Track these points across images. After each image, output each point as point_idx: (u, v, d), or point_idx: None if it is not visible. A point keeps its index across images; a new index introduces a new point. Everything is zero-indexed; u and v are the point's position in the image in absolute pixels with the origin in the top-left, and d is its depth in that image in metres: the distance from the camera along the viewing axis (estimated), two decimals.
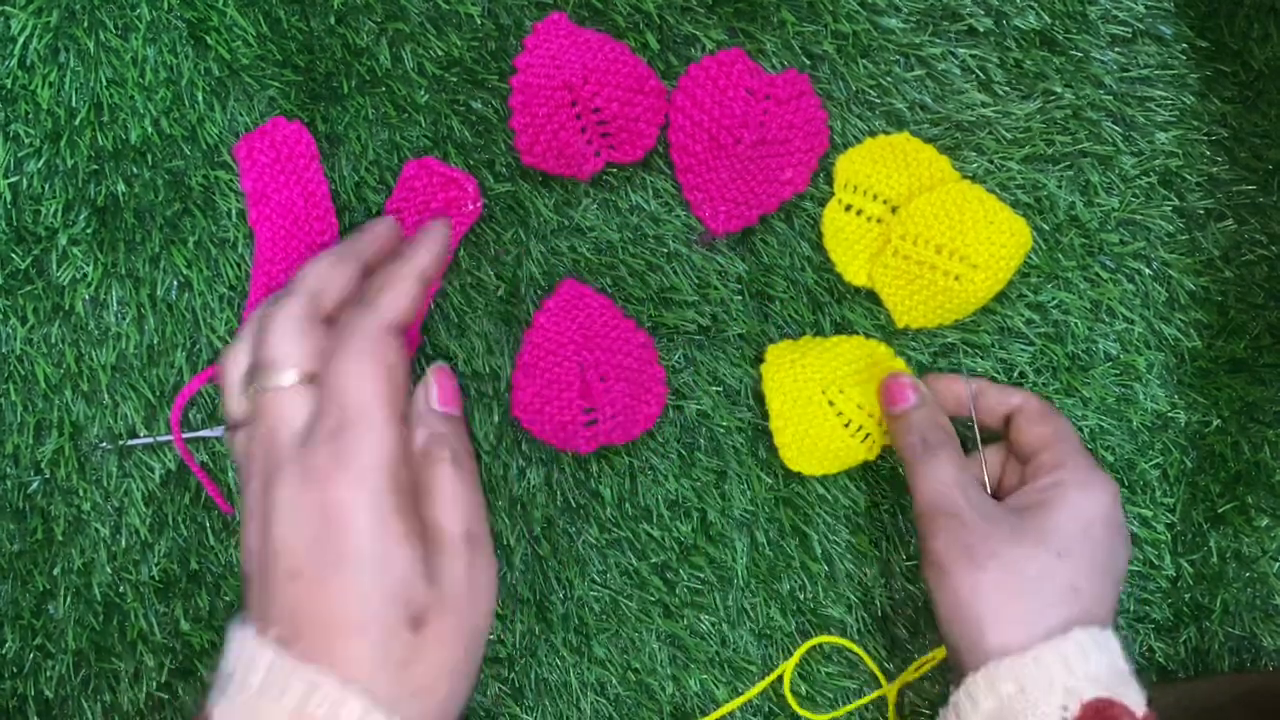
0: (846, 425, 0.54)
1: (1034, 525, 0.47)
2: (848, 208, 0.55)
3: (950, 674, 0.49)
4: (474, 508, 0.42)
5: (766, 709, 0.58)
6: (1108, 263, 0.56)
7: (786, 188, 0.55)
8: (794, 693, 0.57)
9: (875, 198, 0.55)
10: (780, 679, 0.57)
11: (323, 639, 0.38)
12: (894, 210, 0.54)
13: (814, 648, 0.57)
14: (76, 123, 0.55)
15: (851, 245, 0.55)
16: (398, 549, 0.38)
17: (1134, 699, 0.44)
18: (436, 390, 0.44)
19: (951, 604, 0.46)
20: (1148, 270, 0.56)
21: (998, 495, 0.52)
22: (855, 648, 0.57)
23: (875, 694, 0.57)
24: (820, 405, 0.54)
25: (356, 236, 0.46)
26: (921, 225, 0.53)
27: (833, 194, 0.55)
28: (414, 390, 0.44)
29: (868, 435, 0.54)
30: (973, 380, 0.53)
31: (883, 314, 0.56)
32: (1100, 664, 0.44)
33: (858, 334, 0.56)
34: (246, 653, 0.38)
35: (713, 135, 0.54)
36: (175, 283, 0.56)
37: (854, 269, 0.55)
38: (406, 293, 0.43)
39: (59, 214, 0.55)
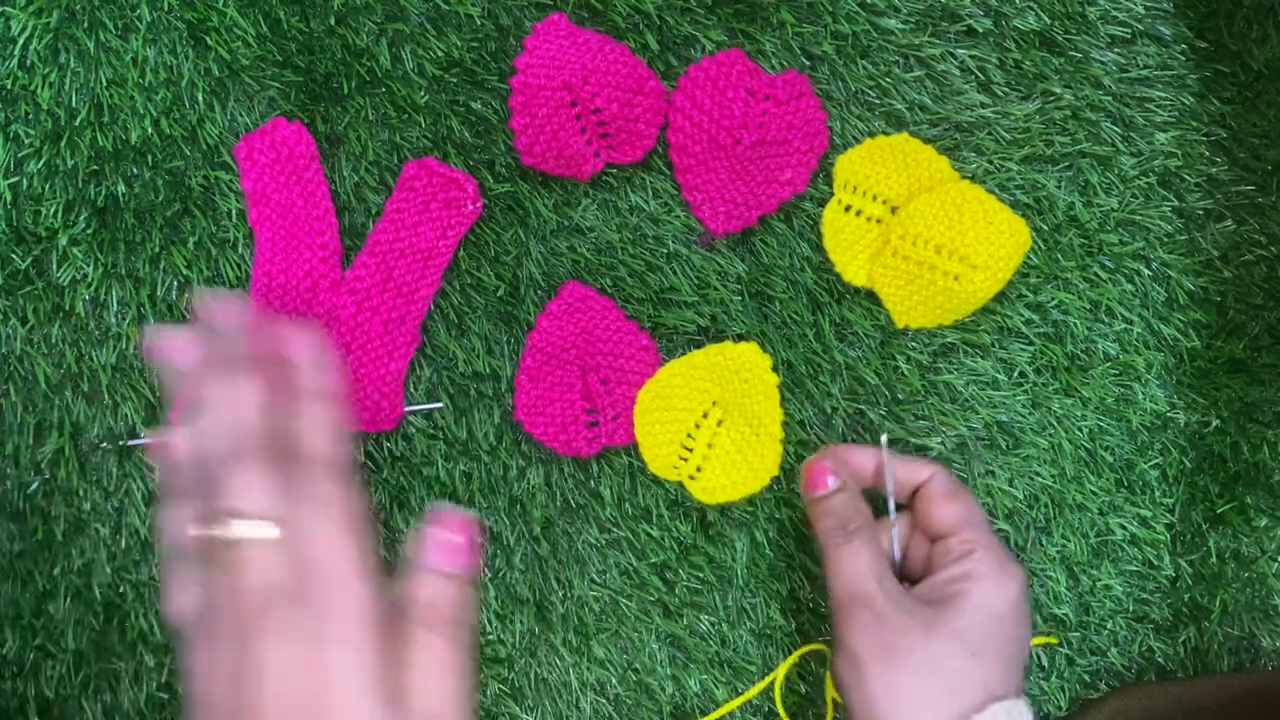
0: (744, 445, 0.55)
1: (947, 621, 0.47)
2: (847, 208, 0.55)
3: None
4: (461, 693, 0.40)
5: (766, 709, 0.58)
6: (1107, 263, 0.56)
7: (786, 188, 0.55)
8: (794, 691, 0.57)
9: (875, 198, 0.55)
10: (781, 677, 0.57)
11: None
12: (893, 211, 0.54)
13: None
14: (76, 123, 0.55)
15: (851, 246, 0.55)
16: (380, 716, 0.38)
17: None
18: (432, 548, 0.42)
19: (866, 699, 0.47)
20: (1147, 270, 0.56)
21: (903, 567, 0.52)
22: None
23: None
24: (709, 431, 0.54)
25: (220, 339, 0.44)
26: (921, 225, 0.53)
27: (832, 194, 0.55)
28: (415, 538, 0.42)
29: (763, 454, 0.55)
30: (884, 451, 0.53)
31: (882, 314, 0.56)
32: None
33: (853, 332, 0.56)
34: None
35: (712, 136, 0.54)
36: (175, 283, 0.56)
37: (853, 269, 0.55)
38: (330, 432, 0.42)
39: (59, 214, 0.55)
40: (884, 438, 0.53)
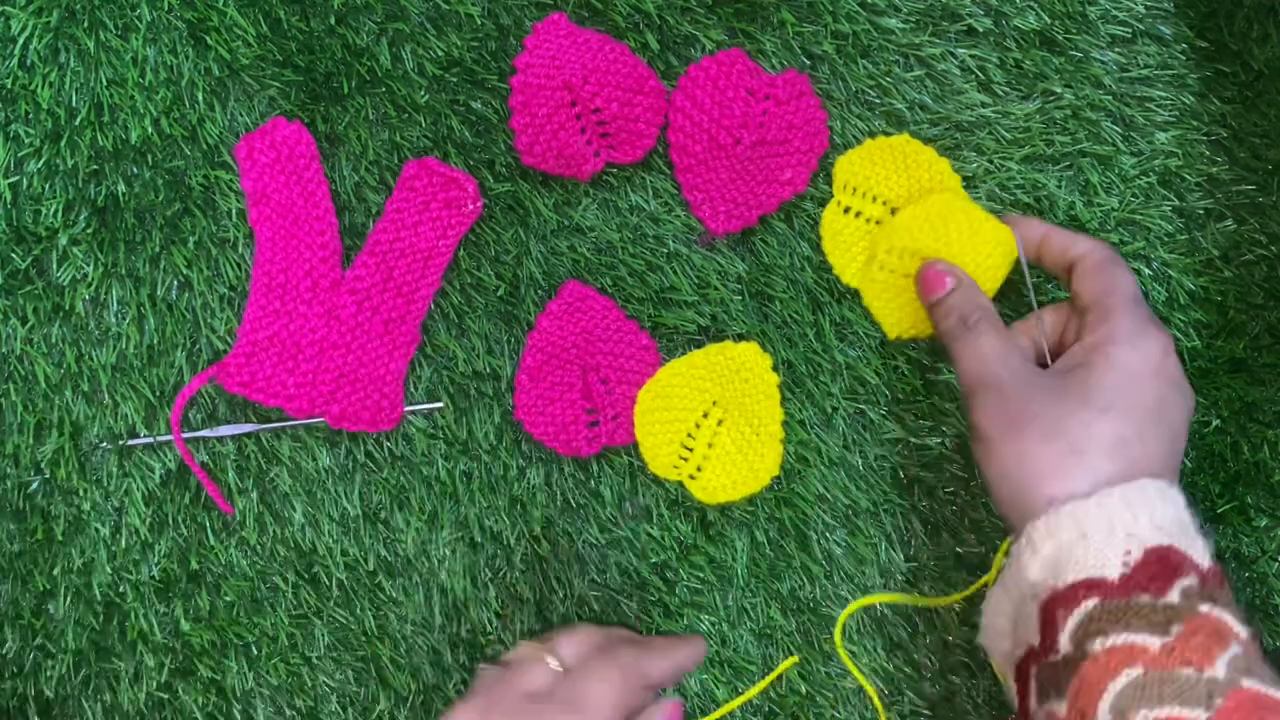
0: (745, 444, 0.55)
1: (1076, 385, 0.46)
2: (846, 210, 0.55)
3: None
4: None
5: (767, 709, 0.58)
6: None
7: (786, 188, 0.55)
8: (794, 691, 0.57)
9: (874, 199, 0.55)
10: (781, 678, 0.57)
11: None
12: (893, 212, 0.54)
13: (815, 648, 0.57)
14: (76, 123, 0.55)
15: (849, 248, 0.55)
16: None
17: (1199, 551, 0.43)
18: None
19: (999, 473, 0.46)
20: (1147, 270, 0.56)
21: (1057, 354, 0.51)
22: (898, 599, 0.57)
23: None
24: (710, 430, 0.55)
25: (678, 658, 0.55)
26: (906, 238, 0.53)
27: (832, 194, 0.55)
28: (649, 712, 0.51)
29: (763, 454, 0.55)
30: (1038, 223, 0.52)
31: None
32: (1165, 514, 0.43)
33: (853, 332, 0.56)
34: None
35: (712, 135, 0.54)
36: (175, 283, 0.56)
37: (851, 271, 0.55)
38: (670, 674, 0.53)
39: (59, 214, 0.55)
40: (1021, 247, 0.52)
